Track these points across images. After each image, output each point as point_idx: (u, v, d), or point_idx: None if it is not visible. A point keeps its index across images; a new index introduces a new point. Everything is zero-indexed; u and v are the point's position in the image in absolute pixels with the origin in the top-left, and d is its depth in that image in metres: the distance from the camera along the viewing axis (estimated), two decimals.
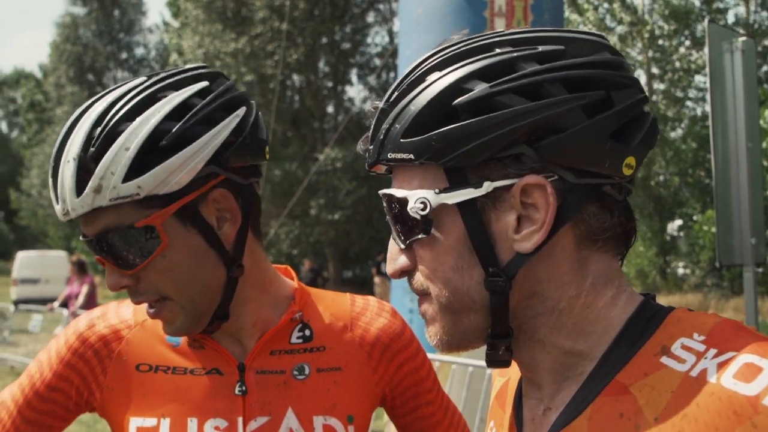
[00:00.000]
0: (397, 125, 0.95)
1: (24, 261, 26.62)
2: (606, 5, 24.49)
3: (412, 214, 0.94)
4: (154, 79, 1.32)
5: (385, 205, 1.01)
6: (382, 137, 0.97)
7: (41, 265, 26.29)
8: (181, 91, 1.30)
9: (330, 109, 31.15)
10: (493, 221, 0.92)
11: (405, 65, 6.86)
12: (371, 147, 1.00)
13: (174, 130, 1.26)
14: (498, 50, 0.94)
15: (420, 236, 0.95)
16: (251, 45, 25.88)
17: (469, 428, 1.70)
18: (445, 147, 0.90)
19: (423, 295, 0.99)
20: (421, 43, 6.51)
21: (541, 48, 0.92)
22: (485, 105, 0.89)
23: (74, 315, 11.45)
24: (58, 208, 1.29)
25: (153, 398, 1.41)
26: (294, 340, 1.47)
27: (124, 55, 44.30)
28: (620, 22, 24.56)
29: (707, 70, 4.48)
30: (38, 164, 41.00)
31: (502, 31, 0.97)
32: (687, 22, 23.62)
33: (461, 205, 0.92)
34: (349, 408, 1.46)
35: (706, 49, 4.54)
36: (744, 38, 4.47)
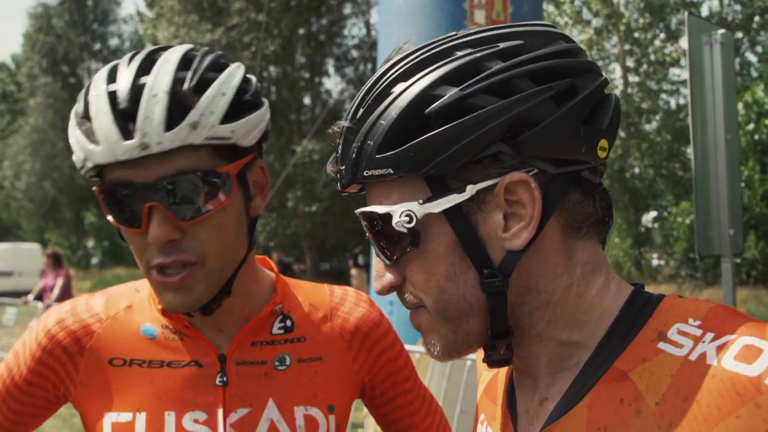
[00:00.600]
0: (369, 142, 0.92)
1: None
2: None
3: (398, 228, 0.92)
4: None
5: (365, 223, 0.98)
6: (354, 156, 0.94)
7: (14, 258, 26.05)
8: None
9: (307, 100, 31.08)
10: (481, 223, 0.91)
11: (384, 57, 6.84)
12: (342, 168, 0.97)
13: (253, 88, 1.36)
14: (459, 53, 0.93)
15: (409, 249, 0.94)
16: (227, 36, 25.72)
17: (447, 418, 1.71)
18: (424, 157, 0.89)
19: (416, 307, 0.98)
20: (401, 34, 6.49)
21: (502, 45, 0.92)
22: (458, 109, 0.88)
23: (49, 308, 11.30)
24: (123, 145, 1.21)
25: (128, 393, 1.38)
26: (275, 330, 1.46)
27: (97, 46, 43.83)
28: (596, 14, 24.70)
29: (687, 62, 4.51)
30: (11, 155, 40.46)
31: (455, 34, 0.97)
32: (662, 15, 23.81)
33: (447, 212, 0.91)
34: (330, 397, 1.45)
35: (684, 42, 4.58)
36: (723, 31, 4.50)
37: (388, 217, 0.93)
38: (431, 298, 0.95)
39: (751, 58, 24.70)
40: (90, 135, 1.25)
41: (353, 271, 22.66)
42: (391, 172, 0.91)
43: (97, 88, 1.27)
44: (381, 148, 0.91)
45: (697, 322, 0.88)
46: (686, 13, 4.60)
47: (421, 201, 0.91)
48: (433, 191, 0.91)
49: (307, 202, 25.38)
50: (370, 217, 0.96)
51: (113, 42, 44.77)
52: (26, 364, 1.42)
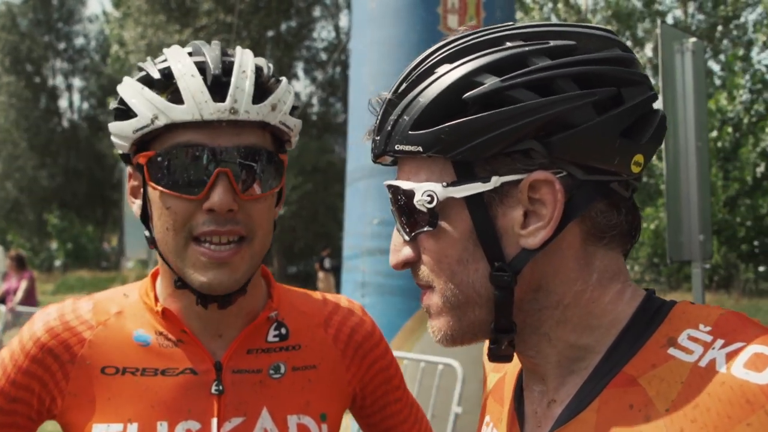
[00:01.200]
0: (405, 117, 0.94)
1: None
2: (550, 5, 24.81)
3: (418, 206, 0.94)
4: None
5: (390, 196, 1.00)
6: (389, 129, 0.96)
7: None
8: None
9: None
10: (500, 216, 0.92)
11: (357, 59, 6.82)
12: (377, 138, 0.99)
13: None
14: (509, 44, 0.93)
15: (426, 229, 0.94)
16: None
17: (430, 424, 1.71)
18: (454, 140, 0.90)
19: (427, 287, 0.99)
20: (374, 37, 6.47)
21: (552, 43, 0.92)
22: (496, 99, 0.89)
23: (12, 311, 11.12)
24: (214, 105, 1.26)
25: (119, 402, 1.34)
26: (270, 338, 1.44)
27: (62, 45, 43.17)
28: (564, 21, 24.91)
29: (660, 69, 4.56)
30: None
31: (512, 25, 0.97)
32: (629, 23, 24.09)
33: (468, 199, 0.92)
34: (323, 406, 1.44)
35: (649, 50, 4.63)
36: (694, 39, 4.57)
37: (410, 193, 0.94)
38: (441, 281, 0.95)
39: (714, 67, 25.09)
40: (177, 93, 1.27)
41: (320, 275, 22.59)
42: (421, 150, 0.92)
43: (178, 58, 1.31)
44: (415, 125, 0.92)
45: (708, 328, 0.88)
46: (659, 21, 4.66)
47: (445, 183, 0.92)
48: (458, 176, 0.92)
49: None
50: (395, 190, 0.98)
51: (78, 41, 44.20)
52: (9, 379, 1.36)
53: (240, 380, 1.39)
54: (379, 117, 0.99)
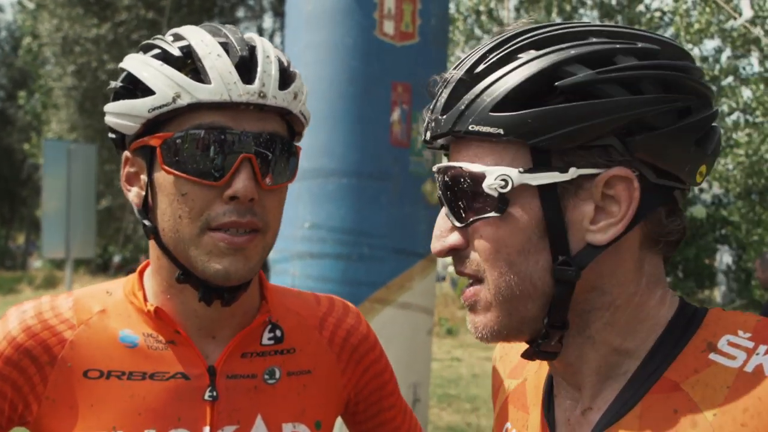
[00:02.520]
0: (486, 98, 0.91)
1: None
2: (474, 16, 25.17)
3: (488, 190, 0.91)
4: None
5: (446, 179, 0.96)
6: (463, 107, 0.93)
7: None
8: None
9: None
10: (570, 209, 0.91)
11: (291, 62, 6.73)
12: (442, 117, 0.95)
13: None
14: (594, 39, 0.92)
15: (491, 214, 0.91)
16: (115, 32, 24.83)
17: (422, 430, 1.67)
18: (540, 127, 0.88)
19: (475, 278, 0.96)
20: (309, 39, 6.41)
21: (640, 44, 0.92)
22: (587, 91, 0.88)
23: None
24: (243, 87, 1.20)
25: (103, 409, 1.24)
26: (265, 341, 1.37)
27: None
28: (488, 32, 25.31)
29: None
30: None
31: (591, 23, 0.97)
32: None
33: (542, 188, 0.90)
34: (317, 413, 1.39)
35: None
36: None
37: (480, 177, 0.91)
38: (496, 271, 0.92)
39: None
40: (196, 73, 1.20)
41: None
42: (501, 133, 0.89)
43: (199, 36, 1.23)
44: (498, 106, 0.90)
45: (748, 335, 0.89)
46: None
47: (521, 170, 0.89)
48: (534, 163, 0.89)
49: None
50: (458, 173, 0.93)
51: None
52: None
53: (234, 386, 1.31)
54: (446, 96, 0.96)
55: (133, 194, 1.31)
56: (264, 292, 1.42)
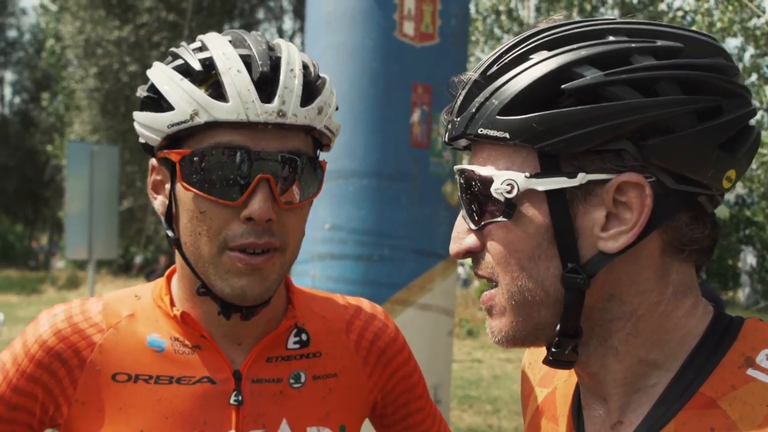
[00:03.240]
0: (494, 101, 0.89)
1: None
2: (494, 16, 25.07)
3: (495, 195, 0.89)
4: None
5: (461, 181, 0.95)
6: (474, 111, 0.91)
7: None
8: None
9: None
10: (580, 215, 0.88)
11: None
12: (457, 119, 0.94)
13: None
14: (612, 38, 0.89)
15: (499, 219, 0.90)
16: (136, 34, 24.96)
17: None
18: (546, 131, 0.86)
19: (489, 280, 0.94)
20: (329, 41, 6.41)
21: (659, 42, 0.88)
22: (595, 93, 0.85)
23: None
24: (261, 106, 1.18)
25: (131, 412, 1.25)
26: (291, 345, 1.37)
27: None
28: (508, 32, 25.22)
29: None
30: None
31: (615, 19, 0.93)
32: None
33: (550, 194, 0.88)
34: (342, 417, 1.38)
35: None
36: None
37: (488, 180, 0.90)
38: (508, 276, 0.91)
39: None
40: (217, 87, 1.18)
41: None
42: (508, 137, 0.88)
43: (221, 48, 1.21)
44: (505, 110, 0.88)
45: None
46: None
47: (528, 174, 0.87)
48: (542, 168, 0.88)
49: None
50: (470, 176, 0.93)
51: (11, 34, 42.92)
52: (11, 384, 1.26)
53: (259, 390, 1.31)
54: (462, 98, 0.94)
55: (159, 203, 1.32)
56: (290, 296, 1.42)
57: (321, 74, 1.30)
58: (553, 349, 0.93)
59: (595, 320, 0.92)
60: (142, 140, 1.30)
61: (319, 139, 1.31)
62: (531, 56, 0.90)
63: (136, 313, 1.33)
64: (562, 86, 0.86)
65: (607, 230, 0.88)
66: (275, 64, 1.22)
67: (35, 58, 40.15)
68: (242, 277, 1.22)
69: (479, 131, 0.91)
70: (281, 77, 1.21)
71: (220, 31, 1.32)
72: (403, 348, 1.51)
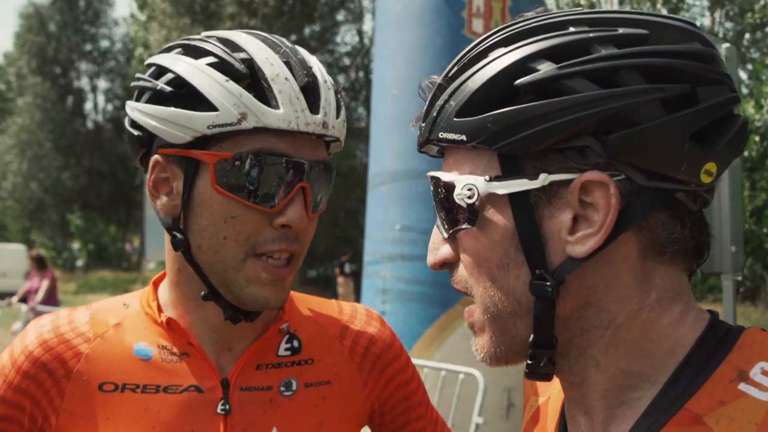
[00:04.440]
0: (452, 102, 0.86)
1: None
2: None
3: (457, 201, 0.85)
4: None
5: (432, 188, 0.91)
6: (435, 115, 0.88)
7: None
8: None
9: None
10: (546, 218, 0.83)
11: (381, 63, 6.74)
12: (423, 125, 0.91)
13: None
14: (572, 29, 0.83)
15: (464, 226, 0.86)
16: None
17: None
18: (501, 130, 0.81)
19: (463, 292, 0.90)
20: (398, 41, 6.40)
21: (621, 30, 0.82)
22: (551, 88, 0.80)
23: (33, 310, 11.17)
24: (310, 116, 1.19)
25: (118, 421, 1.23)
26: (282, 352, 1.34)
27: (88, 47, 43.53)
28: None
29: None
30: None
31: (581, 10, 0.87)
32: None
33: (513, 197, 0.83)
34: (337, 425, 1.34)
35: None
36: (727, 45, 4.44)
37: (451, 186, 0.86)
38: (480, 287, 0.86)
39: (742, 75, 24.79)
40: (257, 90, 1.17)
41: (339, 279, 22.54)
42: (464, 139, 0.84)
43: (264, 52, 1.20)
44: (461, 111, 0.84)
45: None
46: None
47: (488, 178, 0.83)
48: (503, 171, 0.83)
49: None
50: (436, 182, 0.90)
51: (104, 44, 44.55)
52: None
53: (249, 398, 1.28)
54: (428, 102, 0.91)
55: (163, 202, 1.26)
56: None
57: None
58: (529, 361, 0.88)
59: (573, 330, 0.86)
60: (137, 132, 1.25)
61: (330, 149, 1.32)
62: (489, 54, 0.86)
63: (123, 321, 1.32)
64: (515, 82, 0.82)
65: (575, 233, 0.82)
66: (312, 75, 1.22)
67: (126, 67, 41.54)
68: (265, 287, 1.22)
69: (440, 135, 0.87)
70: (321, 90, 1.21)
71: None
72: (400, 354, 1.46)
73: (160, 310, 1.32)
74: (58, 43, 40.89)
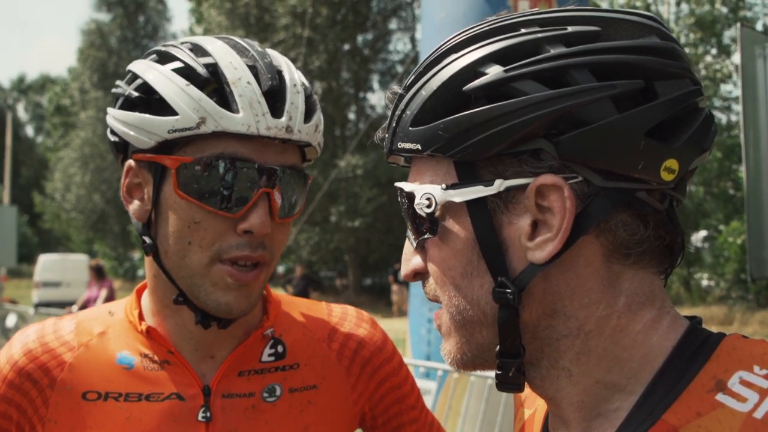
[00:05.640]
0: (408, 111, 0.85)
1: (46, 264, 26.77)
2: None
3: (418, 210, 0.84)
4: None
5: (398, 198, 0.91)
6: (394, 125, 0.87)
7: (62, 269, 26.42)
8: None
9: (351, 115, 31.16)
10: (505, 225, 0.81)
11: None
12: (386, 135, 0.90)
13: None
14: (523, 30, 0.81)
15: (427, 236, 0.85)
16: None
17: None
18: (452, 137, 0.80)
19: (435, 301, 0.89)
20: None
21: (570, 29, 0.79)
22: (499, 91, 0.78)
23: None
24: (272, 120, 1.17)
25: (101, 430, 1.23)
26: (265, 358, 1.32)
27: None
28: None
29: (739, 75, 4.32)
30: (62, 168, 41.23)
31: (535, 10, 0.85)
32: (713, 31, 23.36)
33: (470, 204, 0.81)
34: (323, 430, 1.32)
35: (737, 55, 4.40)
36: (738, 25, 4.30)
37: (411, 196, 0.85)
38: (446, 295, 0.85)
39: None
40: (220, 95, 1.17)
41: (394, 287, 22.57)
42: (419, 148, 0.83)
43: (228, 56, 1.19)
44: (415, 120, 0.83)
45: (765, 371, 0.75)
46: (738, 25, 4.42)
47: (444, 186, 0.82)
48: (460, 178, 0.82)
49: (350, 216, 25.37)
50: (400, 193, 0.89)
51: None
52: None
53: (230, 405, 1.27)
54: (390, 112, 0.90)
55: (135, 207, 1.26)
56: (267, 306, 1.38)
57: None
58: (497, 372, 0.85)
59: (543, 340, 0.84)
60: (114, 138, 1.26)
61: (306, 154, 1.30)
62: (442, 60, 0.84)
63: (107, 330, 1.32)
64: (463, 88, 0.80)
65: (534, 239, 0.80)
66: (280, 78, 1.21)
67: None
68: (229, 292, 1.20)
69: (399, 145, 0.86)
70: (288, 94, 1.19)
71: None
72: (391, 357, 1.43)
73: (141, 318, 1.32)
74: (119, 57, 41.96)
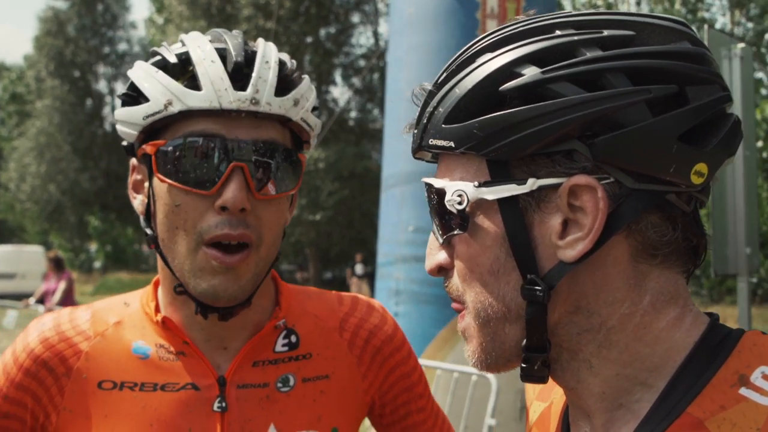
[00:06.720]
0: (440, 109, 0.86)
1: (0, 255, 26.23)
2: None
3: (448, 207, 0.86)
4: None
5: (425, 194, 0.92)
6: (425, 121, 0.88)
7: (17, 260, 25.92)
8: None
9: None
10: (537, 223, 0.83)
11: (395, 65, 6.74)
12: (415, 131, 0.91)
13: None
14: (558, 32, 0.83)
15: (457, 232, 0.87)
16: None
17: None
18: (487, 136, 0.81)
19: (457, 301, 0.90)
20: (412, 43, 6.40)
21: (606, 32, 0.82)
22: (535, 92, 0.80)
23: (50, 311, 11.23)
24: (234, 94, 1.18)
25: (116, 419, 1.24)
26: (279, 348, 1.34)
27: (106, 50, 43.83)
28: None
29: None
30: (17, 158, 40.39)
31: (569, 12, 0.87)
32: None
33: (502, 202, 0.83)
34: (335, 420, 1.34)
35: None
36: (742, 45, 4.41)
37: (442, 192, 0.87)
38: (472, 293, 0.87)
39: (761, 75, 24.56)
40: (193, 80, 1.20)
41: (353, 281, 22.57)
42: (453, 145, 0.84)
43: (198, 43, 1.24)
44: (449, 118, 0.85)
45: None
46: (706, 27, 4.51)
47: (476, 183, 0.83)
48: (492, 176, 0.83)
49: (311, 210, 25.29)
50: (429, 188, 0.90)
51: (122, 47, 44.85)
52: (1, 393, 1.27)
53: (245, 396, 1.29)
54: (419, 109, 0.91)
55: (138, 202, 1.31)
56: (279, 297, 1.39)
57: (303, 75, 1.32)
58: (523, 365, 0.88)
59: (563, 335, 0.86)
60: (124, 142, 1.31)
61: (299, 135, 1.31)
62: (476, 59, 0.86)
63: (123, 320, 1.33)
64: (500, 88, 0.82)
65: (565, 238, 0.82)
66: (250, 57, 1.23)
67: None
68: (215, 276, 1.20)
69: (430, 142, 0.87)
70: (255, 68, 1.22)
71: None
72: (401, 346, 1.45)
73: (157, 309, 1.33)
74: (77, 46, 41.23)
